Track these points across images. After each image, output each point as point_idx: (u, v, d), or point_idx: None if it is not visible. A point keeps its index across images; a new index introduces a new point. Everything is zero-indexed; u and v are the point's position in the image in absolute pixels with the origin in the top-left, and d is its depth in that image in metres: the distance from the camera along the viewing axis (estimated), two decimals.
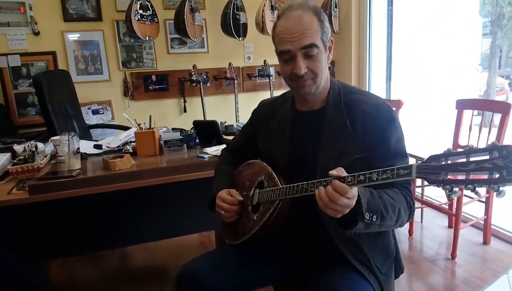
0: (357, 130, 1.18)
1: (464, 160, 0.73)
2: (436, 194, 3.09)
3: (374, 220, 1.01)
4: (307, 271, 1.26)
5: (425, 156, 0.81)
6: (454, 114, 2.67)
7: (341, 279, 1.16)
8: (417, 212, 2.94)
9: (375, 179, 0.89)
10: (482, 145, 2.24)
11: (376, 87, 3.97)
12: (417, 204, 2.77)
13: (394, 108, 1.21)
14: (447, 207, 2.78)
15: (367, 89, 3.95)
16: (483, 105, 2.52)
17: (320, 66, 1.17)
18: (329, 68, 3.71)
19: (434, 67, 3.92)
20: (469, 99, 2.60)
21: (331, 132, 1.21)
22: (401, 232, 2.84)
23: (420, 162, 0.83)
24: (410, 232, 2.80)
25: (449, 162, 0.76)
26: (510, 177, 0.67)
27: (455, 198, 2.46)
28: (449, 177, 0.75)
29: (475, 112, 2.61)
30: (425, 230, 2.89)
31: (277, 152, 1.30)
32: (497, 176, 0.68)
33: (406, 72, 3.93)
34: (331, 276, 1.16)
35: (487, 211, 2.54)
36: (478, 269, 2.37)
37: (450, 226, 2.83)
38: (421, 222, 2.98)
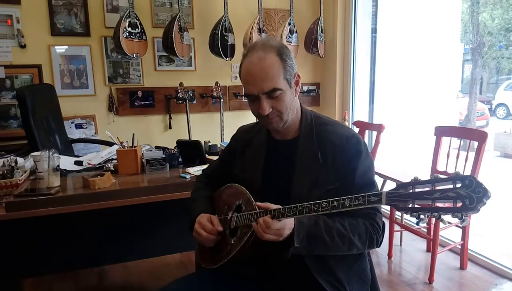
0: (327, 161, 1.21)
1: (430, 188, 0.76)
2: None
3: (313, 245, 1.13)
4: None
5: (406, 180, 0.85)
6: (433, 140, 2.73)
7: None
8: (397, 235, 2.98)
9: (348, 205, 0.92)
10: (460, 171, 2.28)
11: (359, 111, 4.05)
12: (396, 228, 2.85)
13: (363, 141, 1.24)
14: (425, 231, 2.82)
15: (350, 113, 4.03)
16: (461, 133, 2.59)
17: (285, 105, 1.20)
18: (314, 90, 3.75)
19: (416, 92, 4.01)
20: (447, 127, 2.67)
21: (303, 163, 1.24)
22: (381, 255, 2.86)
23: (389, 190, 0.86)
24: (390, 255, 2.82)
25: (416, 190, 0.79)
26: (472, 205, 0.70)
27: (433, 222, 2.50)
28: (416, 204, 0.78)
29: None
30: (404, 254, 2.92)
31: (252, 178, 1.32)
32: (460, 204, 0.71)
33: (388, 96, 4.02)
34: None
35: (464, 236, 2.58)
36: None
37: (428, 250, 2.87)
38: (400, 245, 3.01)
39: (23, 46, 3.16)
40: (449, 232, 2.71)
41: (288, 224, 1.10)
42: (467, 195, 0.71)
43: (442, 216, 0.74)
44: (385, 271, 2.71)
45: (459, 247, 2.64)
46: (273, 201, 1.16)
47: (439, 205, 0.75)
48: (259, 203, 1.16)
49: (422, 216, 0.77)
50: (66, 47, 3.31)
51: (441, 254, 2.57)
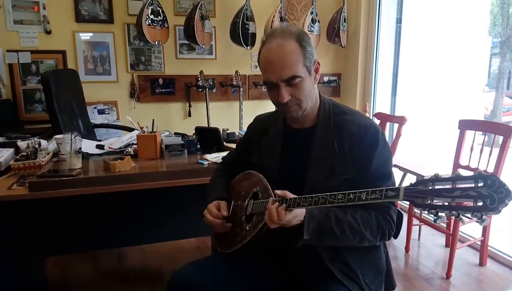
0: (344, 151, 1.20)
1: (450, 186, 0.74)
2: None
3: (323, 238, 1.13)
4: (296, 285, 1.27)
5: (427, 174, 0.83)
6: (457, 134, 2.67)
7: None
8: (415, 229, 2.94)
9: (364, 198, 0.91)
10: (483, 166, 2.23)
11: (381, 102, 3.99)
12: (415, 222, 2.81)
13: (381, 131, 1.22)
14: (445, 226, 2.78)
15: (371, 104, 3.97)
16: (485, 127, 2.52)
17: (304, 93, 1.19)
18: (335, 80, 3.71)
19: (441, 85, 3.91)
20: (471, 120, 2.60)
21: (319, 153, 1.24)
22: (398, 249, 2.84)
23: (408, 185, 0.84)
24: (407, 248, 2.80)
25: (436, 187, 0.77)
26: (493, 205, 0.68)
27: (452, 218, 2.46)
28: (435, 201, 0.76)
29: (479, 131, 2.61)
30: (421, 248, 2.89)
31: (268, 167, 1.33)
32: (481, 204, 0.70)
33: (412, 88, 3.94)
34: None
35: (485, 232, 2.53)
36: (472, 290, 2.35)
37: (447, 245, 2.82)
38: (419, 239, 2.98)
39: (48, 32, 3.22)
40: (469, 227, 2.66)
41: (298, 216, 1.10)
42: (489, 195, 0.69)
43: (461, 215, 0.72)
44: (402, 265, 2.68)
45: (479, 243, 2.59)
46: (289, 189, 1.16)
47: (459, 203, 0.73)
48: (277, 191, 1.15)
49: (440, 214, 0.75)
50: (90, 34, 3.36)
51: (460, 250, 2.53)
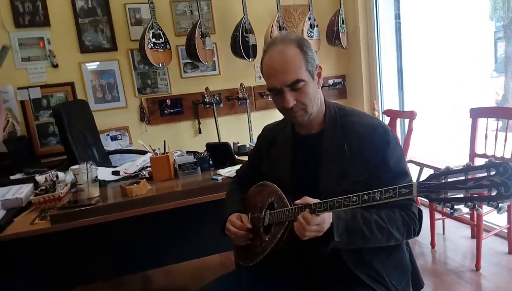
0: (354, 153, 1.20)
1: (463, 177, 0.74)
2: None
3: (353, 239, 1.11)
4: None
5: (443, 166, 0.82)
6: (469, 123, 2.64)
7: None
8: (439, 224, 2.89)
9: (378, 198, 0.91)
10: (500, 153, 2.20)
11: (389, 99, 3.96)
12: (437, 216, 2.77)
13: (390, 130, 1.22)
14: (468, 217, 2.73)
15: (379, 102, 3.95)
16: (497, 113, 2.49)
17: (309, 97, 1.19)
18: (340, 82, 3.71)
19: (447, 75, 3.88)
20: (482, 108, 2.57)
21: (329, 157, 1.24)
22: (423, 245, 2.79)
23: (420, 181, 0.84)
24: (433, 244, 2.75)
25: (449, 180, 0.77)
26: (508, 193, 0.67)
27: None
28: (449, 194, 0.76)
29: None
30: (447, 242, 2.84)
31: (281, 175, 1.33)
32: (495, 192, 0.69)
33: (418, 81, 3.91)
34: None
35: (510, 219, 2.48)
36: (504, 279, 2.30)
37: (473, 236, 2.77)
38: (443, 233, 2.93)
39: (55, 66, 3.30)
40: (494, 216, 2.61)
41: (327, 219, 1.09)
42: (502, 183, 0.68)
43: (477, 206, 0.72)
44: (429, 261, 2.64)
45: (505, 230, 2.54)
46: (302, 196, 1.16)
47: (473, 194, 0.73)
48: (297, 201, 1.15)
49: (456, 207, 0.75)
50: (96, 63, 3.43)
51: (487, 240, 2.48)
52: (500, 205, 0.69)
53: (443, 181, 0.78)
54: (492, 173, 0.70)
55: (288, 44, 1.18)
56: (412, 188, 0.84)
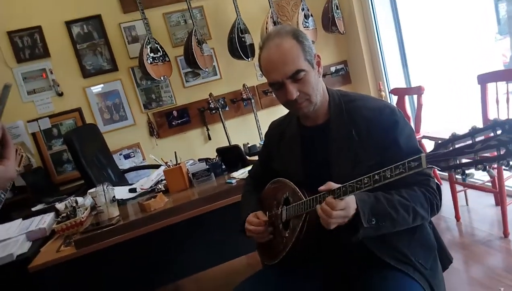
0: (363, 137, 1.19)
1: (470, 141, 0.73)
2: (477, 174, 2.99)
3: (381, 223, 1.07)
4: (350, 280, 1.25)
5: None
6: (479, 89, 2.59)
7: (386, 280, 1.15)
8: (461, 195, 2.85)
9: (389, 176, 0.90)
10: None
11: (394, 78, 3.92)
12: (458, 188, 2.72)
13: (397, 109, 1.20)
14: (490, 185, 2.68)
15: (385, 82, 3.91)
16: (504, 75, 2.44)
17: (311, 86, 1.19)
18: (342, 68, 3.68)
19: (450, 44, 3.81)
20: (489, 73, 2.52)
21: (339, 145, 1.23)
22: (448, 219, 2.75)
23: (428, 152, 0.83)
24: (457, 217, 2.71)
25: (456, 146, 0.76)
26: None
27: (496, 175, 2.37)
28: (458, 161, 0.75)
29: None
30: (472, 213, 2.79)
31: (292, 170, 1.33)
32: (504, 151, 0.68)
33: (422, 55, 3.85)
34: (375, 281, 1.16)
35: None
36: None
37: (497, 204, 2.71)
38: (467, 204, 2.88)
39: (60, 94, 3.36)
40: None
41: (351, 203, 1.06)
42: (510, 140, 0.67)
43: (488, 167, 0.71)
44: (457, 235, 2.60)
45: None
46: (316, 187, 1.15)
47: (482, 156, 0.72)
48: (321, 187, 1.11)
49: (467, 172, 0.74)
50: (100, 85, 3.48)
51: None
52: (511, 162, 0.67)
53: (451, 148, 0.77)
54: (498, 132, 0.69)
55: (284, 36, 1.18)
56: (421, 160, 0.83)
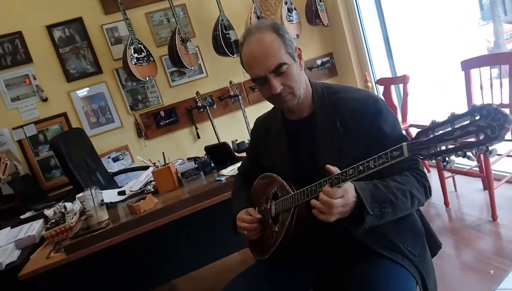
0: (348, 128, 1.19)
1: (450, 128, 0.73)
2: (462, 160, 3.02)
3: (384, 209, 1.04)
4: (341, 270, 1.26)
5: None
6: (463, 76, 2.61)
7: (375, 269, 1.16)
8: (449, 181, 2.88)
9: (372, 166, 0.90)
10: (497, 100, 2.18)
11: (380, 68, 3.94)
12: (446, 174, 2.75)
13: (379, 98, 1.21)
14: (477, 169, 2.71)
15: (371, 73, 3.92)
16: (487, 61, 2.46)
17: (294, 79, 1.19)
18: (328, 61, 3.68)
19: (434, 32, 3.84)
20: (473, 58, 2.54)
21: (324, 137, 1.23)
22: (437, 205, 2.78)
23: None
24: (446, 203, 2.74)
25: (436, 133, 0.76)
26: (494, 134, 0.67)
27: (482, 159, 2.40)
28: (439, 148, 0.75)
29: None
30: (461, 198, 2.82)
31: (280, 165, 1.33)
32: (483, 136, 0.68)
33: (406, 44, 3.88)
34: (365, 269, 1.16)
35: None
36: None
37: (485, 188, 2.75)
38: (455, 190, 2.91)
39: (45, 100, 3.31)
40: (502, 164, 2.58)
41: (349, 190, 1.02)
42: (488, 125, 0.67)
43: (468, 153, 0.71)
44: (446, 220, 2.63)
45: None
46: (305, 180, 1.15)
47: (462, 142, 0.72)
48: (328, 166, 1.05)
49: (448, 159, 0.74)
50: (85, 89, 3.44)
51: (499, 189, 2.46)
52: (490, 148, 0.68)
53: (431, 135, 0.77)
54: (477, 118, 0.69)
55: (264, 31, 1.17)
56: (402, 149, 0.83)
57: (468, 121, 0.71)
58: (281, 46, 1.16)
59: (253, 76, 1.21)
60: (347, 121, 1.20)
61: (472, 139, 0.70)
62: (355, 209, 1.03)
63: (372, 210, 1.03)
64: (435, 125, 0.77)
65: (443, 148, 0.75)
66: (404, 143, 0.84)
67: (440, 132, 0.76)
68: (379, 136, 1.16)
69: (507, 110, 2.33)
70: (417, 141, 0.80)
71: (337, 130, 1.20)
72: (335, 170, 1.04)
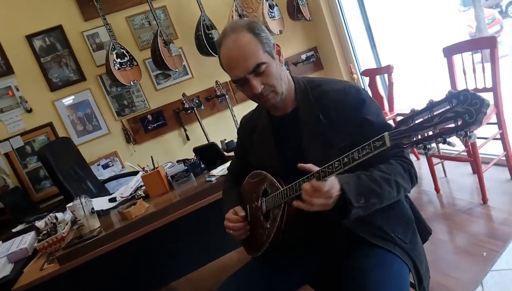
0: (333, 120, 1.20)
1: (429, 115, 0.74)
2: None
3: (369, 200, 1.05)
4: (334, 262, 1.27)
5: None
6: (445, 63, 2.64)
7: (367, 258, 1.17)
8: (438, 168, 2.90)
9: (357, 157, 0.91)
10: (481, 84, 2.20)
11: (364, 59, 3.95)
12: (435, 160, 2.78)
13: (362, 88, 1.22)
14: (465, 154, 2.74)
15: (356, 64, 3.94)
16: (468, 46, 2.49)
17: (275, 77, 1.19)
18: (313, 55, 3.67)
19: (415, 20, 3.87)
20: (454, 44, 2.56)
21: (310, 131, 1.23)
22: (428, 192, 2.81)
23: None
24: (437, 189, 2.76)
25: (416, 121, 0.77)
26: (472, 119, 0.67)
27: (469, 144, 2.43)
28: (420, 136, 0.76)
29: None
30: (451, 183, 2.85)
31: (268, 161, 1.33)
32: (461, 122, 0.69)
33: (389, 34, 3.90)
34: (357, 260, 1.17)
35: (505, 146, 2.49)
36: None
37: (474, 172, 2.79)
38: (445, 176, 2.94)
39: (29, 111, 3.27)
40: (490, 147, 2.61)
41: (333, 183, 1.03)
42: (465, 110, 0.68)
43: (448, 139, 0.72)
44: (438, 206, 2.66)
45: (504, 158, 2.55)
46: (294, 176, 1.15)
47: (442, 129, 0.73)
48: (302, 165, 1.07)
49: (429, 146, 0.75)
50: (69, 97, 3.39)
51: (488, 171, 2.49)
52: (469, 133, 0.69)
53: (411, 124, 0.78)
54: (454, 104, 0.70)
55: (240, 31, 1.17)
56: (384, 139, 0.84)
57: (446, 108, 0.71)
58: (258, 45, 1.16)
59: (233, 77, 1.20)
60: (331, 114, 1.20)
61: (452, 125, 0.71)
62: (340, 201, 1.04)
63: (357, 202, 1.04)
64: (414, 114, 0.77)
65: (425, 135, 0.76)
66: (386, 133, 0.84)
67: (420, 120, 0.76)
68: (363, 126, 1.17)
69: (490, 94, 2.36)
70: (398, 131, 0.80)
71: (322, 123, 1.21)
72: (310, 167, 1.05)
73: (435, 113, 0.73)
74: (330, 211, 1.04)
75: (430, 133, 0.74)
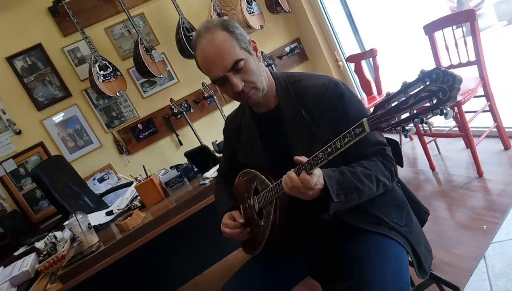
0: (314, 115, 1.20)
1: (404, 97, 0.73)
2: (443, 122, 3.06)
3: (349, 196, 1.08)
4: (332, 253, 1.26)
5: None
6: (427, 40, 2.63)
7: (364, 244, 1.17)
8: (432, 146, 2.91)
9: (340, 146, 0.91)
10: (465, 58, 2.20)
11: (348, 46, 3.95)
12: (427, 139, 2.78)
13: (340, 82, 1.22)
14: (457, 129, 2.74)
15: (340, 51, 3.93)
16: (448, 21, 2.48)
17: (254, 73, 1.18)
18: (296, 46, 3.66)
19: (396, 1, 3.87)
20: (433, 22, 2.56)
21: (293, 126, 1.23)
22: (425, 171, 2.81)
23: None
24: (432, 167, 2.77)
25: (392, 105, 0.77)
26: (446, 96, 0.67)
27: (459, 119, 2.43)
28: (397, 119, 0.76)
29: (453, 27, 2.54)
30: (446, 160, 2.86)
31: (256, 159, 1.33)
32: (435, 100, 0.69)
33: (370, 18, 3.89)
34: (355, 248, 1.18)
35: (495, 118, 2.50)
36: (509, 175, 2.33)
37: (467, 146, 2.79)
38: (439, 153, 2.95)
39: (18, 133, 3.25)
40: (480, 120, 2.62)
41: (318, 177, 1.04)
42: (439, 88, 0.68)
43: (425, 119, 0.72)
44: (435, 184, 2.66)
45: (495, 129, 2.56)
46: (283, 171, 1.15)
47: (418, 109, 0.73)
48: (298, 157, 1.07)
49: (407, 127, 0.74)
50: (58, 115, 3.37)
51: (481, 144, 2.50)
52: (444, 110, 0.68)
53: (388, 107, 0.77)
54: (427, 83, 0.70)
55: (214, 30, 1.16)
56: (363, 125, 0.84)
57: (420, 88, 0.71)
58: (233, 42, 1.15)
59: (212, 78, 1.19)
60: (312, 109, 1.21)
61: (427, 105, 0.71)
62: (321, 194, 1.06)
63: (337, 197, 1.06)
64: (390, 97, 0.77)
65: (402, 117, 0.75)
66: (364, 119, 0.84)
67: (396, 103, 0.76)
68: (345, 119, 1.16)
69: (475, 68, 2.35)
70: (376, 115, 0.80)
71: (304, 118, 1.21)
72: (303, 159, 1.06)
73: (410, 94, 0.73)
74: (310, 206, 1.07)
75: (407, 114, 0.74)
